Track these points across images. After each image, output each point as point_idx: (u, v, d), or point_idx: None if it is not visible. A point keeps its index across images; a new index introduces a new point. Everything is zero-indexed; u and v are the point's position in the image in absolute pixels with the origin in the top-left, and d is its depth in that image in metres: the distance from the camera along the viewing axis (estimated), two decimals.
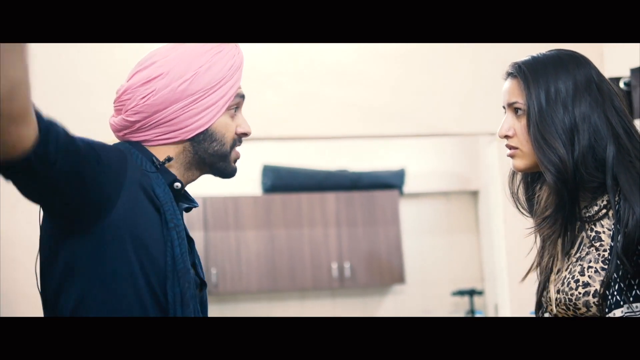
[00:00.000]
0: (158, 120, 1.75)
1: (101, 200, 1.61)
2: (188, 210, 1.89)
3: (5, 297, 3.71)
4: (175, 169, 1.80)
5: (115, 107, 1.81)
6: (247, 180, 6.65)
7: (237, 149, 1.86)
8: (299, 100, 4.70)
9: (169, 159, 1.77)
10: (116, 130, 1.82)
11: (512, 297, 4.81)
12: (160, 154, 1.78)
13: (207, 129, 1.78)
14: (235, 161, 1.85)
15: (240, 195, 6.56)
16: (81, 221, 1.63)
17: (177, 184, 1.78)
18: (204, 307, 1.85)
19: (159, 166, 1.75)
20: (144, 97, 1.74)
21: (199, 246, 6.31)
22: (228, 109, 1.80)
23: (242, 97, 1.84)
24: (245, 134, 1.85)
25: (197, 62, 1.76)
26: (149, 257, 1.65)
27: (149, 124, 1.76)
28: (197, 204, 1.90)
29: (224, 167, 1.83)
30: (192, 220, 6.26)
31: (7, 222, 4.06)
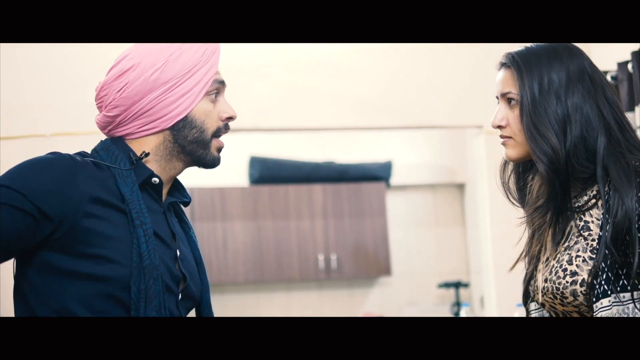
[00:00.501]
0: (136, 112, 1.77)
1: (37, 238, 1.65)
2: (185, 204, 1.91)
3: (5, 297, 3.69)
4: (154, 162, 1.80)
5: (96, 105, 1.83)
6: (234, 172, 6.64)
7: (222, 138, 1.85)
8: (287, 91, 4.70)
9: (145, 155, 1.77)
10: (101, 127, 1.84)
11: (498, 289, 4.83)
12: (142, 147, 1.79)
13: (186, 116, 1.78)
14: (218, 150, 1.85)
15: (227, 186, 6.55)
16: (26, 252, 1.69)
17: (155, 179, 1.79)
18: (188, 301, 1.85)
19: (135, 162, 1.76)
20: (119, 91, 1.76)
21: None
22: (207, 94, 1.80)
23: (222, 83, 1.84)
24: (231, 118, 1.85)
25: (168, 50, 1.77)
26: (109, 264, 1.67)
27: (128, 116, 1.78)
28: (188, 198, 1.91)
29: (204, 155, 1.82)
30: None
31: None
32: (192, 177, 6.20)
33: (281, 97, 4.69)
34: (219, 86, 1.83)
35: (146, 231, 1.70)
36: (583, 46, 1.92)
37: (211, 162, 1.84)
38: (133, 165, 1.76)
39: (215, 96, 1.83)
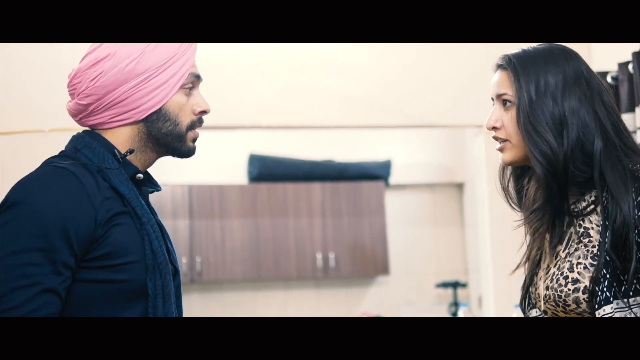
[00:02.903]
0: (110, 101, 1.74)
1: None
2: (151, 192, 1.89)
3: None
4: (131, 155, 1.79)
5: (68, 91, 1.80)
6: (233, 169, 6.64)
7: (198, 129, 1.84)
8: (287, 89, 4.69)
9: (130, 151, 1.76)
10: (72, 114, 1.81)
11: (496, 290, 4.83)
12: (117, 138, 1.77)
13: (160, 109, 1.76)
14: (193, 141, 1.83)
15: (226, 183, 6.54)
16: None
17: (139, 175, 1.78)
18: (177, 293, 1.85)
19: (120, 159, 1.75)
20: (93, 79, 1.73)
21: (184, 234, 6.29)
22: (182, 87, 1.79)
23: (197, 77, 1.82)
24: (205, 112, 1.83)
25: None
26: (128, 267, 1.66)
27: (101, 106, 1.75)
28: (160, 188, 1.90)
29: (179, 147, 1.81)
30: (177, 208, 6.24)
31: None
32: (191, 175, 6.22)
33: (281, 94, 4.69)
34: (195, 80, 1.81)
35: (153, 227, 1.71)
36: (584, 46, 1.91)
37: (187, 153, 1.83)
38: (120, 163, 1.74)
39: (190, 90, 1.81)
